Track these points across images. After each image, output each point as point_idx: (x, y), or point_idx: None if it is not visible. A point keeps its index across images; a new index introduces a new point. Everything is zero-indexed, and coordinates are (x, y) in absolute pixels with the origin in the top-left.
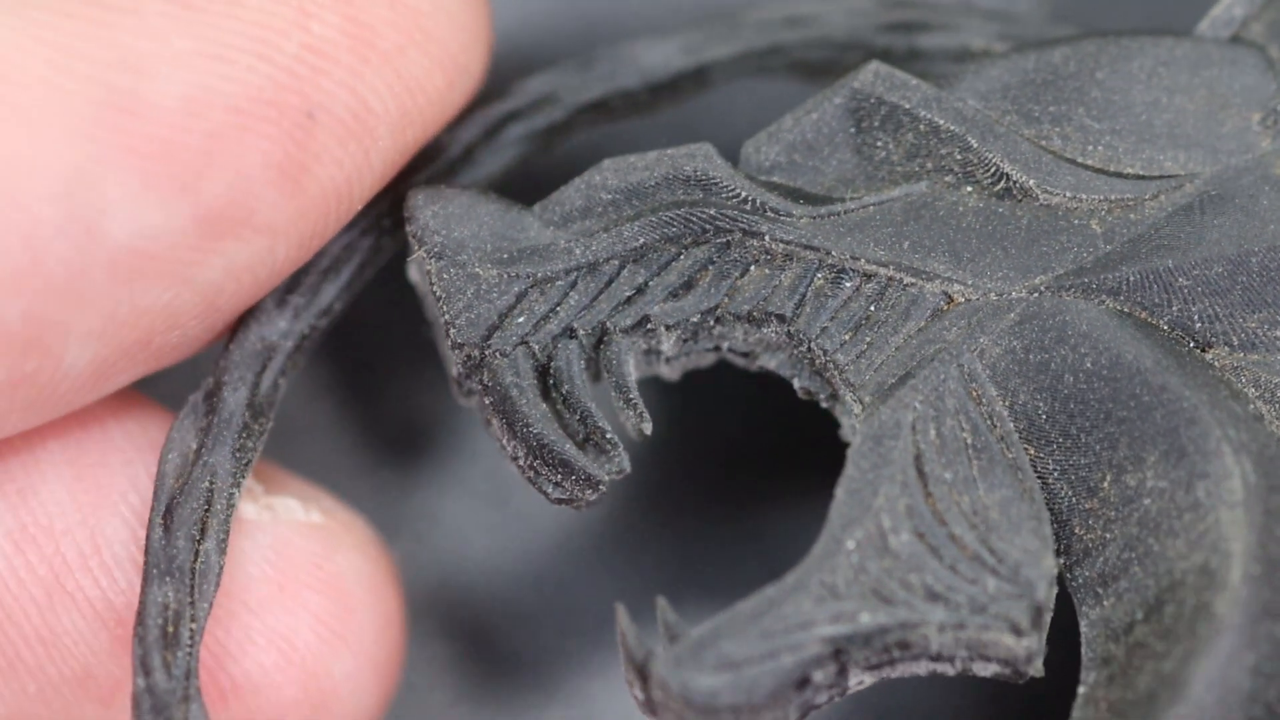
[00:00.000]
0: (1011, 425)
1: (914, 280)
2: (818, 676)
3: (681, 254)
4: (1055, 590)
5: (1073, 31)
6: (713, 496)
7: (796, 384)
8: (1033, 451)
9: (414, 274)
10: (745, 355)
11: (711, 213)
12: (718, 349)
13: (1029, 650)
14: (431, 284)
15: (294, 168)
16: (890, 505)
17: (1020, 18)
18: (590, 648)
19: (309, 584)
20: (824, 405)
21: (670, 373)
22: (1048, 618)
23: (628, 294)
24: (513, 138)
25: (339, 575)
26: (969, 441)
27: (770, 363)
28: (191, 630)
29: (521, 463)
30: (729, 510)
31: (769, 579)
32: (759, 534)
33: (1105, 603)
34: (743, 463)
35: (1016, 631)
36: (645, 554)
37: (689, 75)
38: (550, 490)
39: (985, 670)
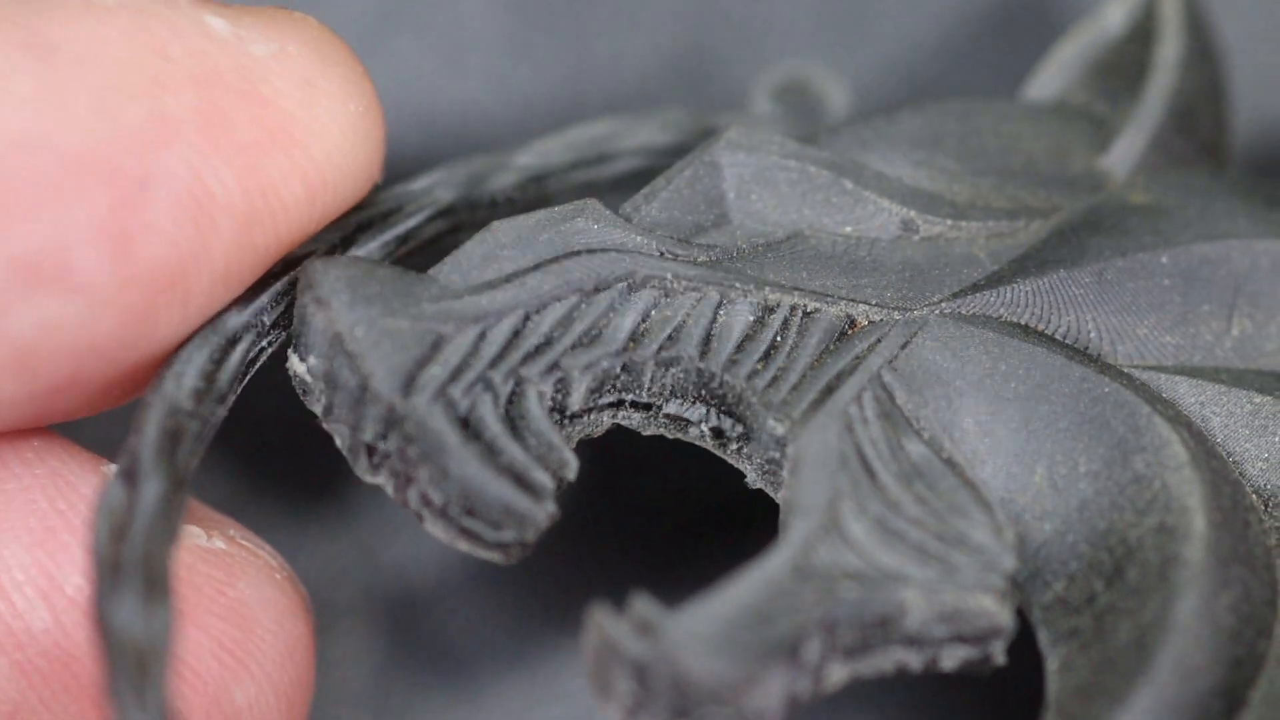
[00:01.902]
0: (938, 430)
1: (817, 305)
2: (807, 654)
3: (584, 302)
4: (1018, 568)
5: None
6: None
7: (705, 427)
8: (960, 454)
9: (295, 365)
10: (646, 409)
11: (612, 256)
12: (619, 403)
13: (1008, 621)
14: (344, 342)
15: (120, 233)
16: (847, 496)
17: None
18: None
19: (211, 609)
20: (733, 449)
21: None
22: (1015, 596)
23: (536, 344)
24: (366, 250)
25: (242, 601)
26: (901, 444)
27: (675, 409)
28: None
29: (452, 514)
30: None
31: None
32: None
33: (1056, 586)
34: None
35: (997, 595)
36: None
37: (533, 177)
38: (487, 534)
39: (954, 657)
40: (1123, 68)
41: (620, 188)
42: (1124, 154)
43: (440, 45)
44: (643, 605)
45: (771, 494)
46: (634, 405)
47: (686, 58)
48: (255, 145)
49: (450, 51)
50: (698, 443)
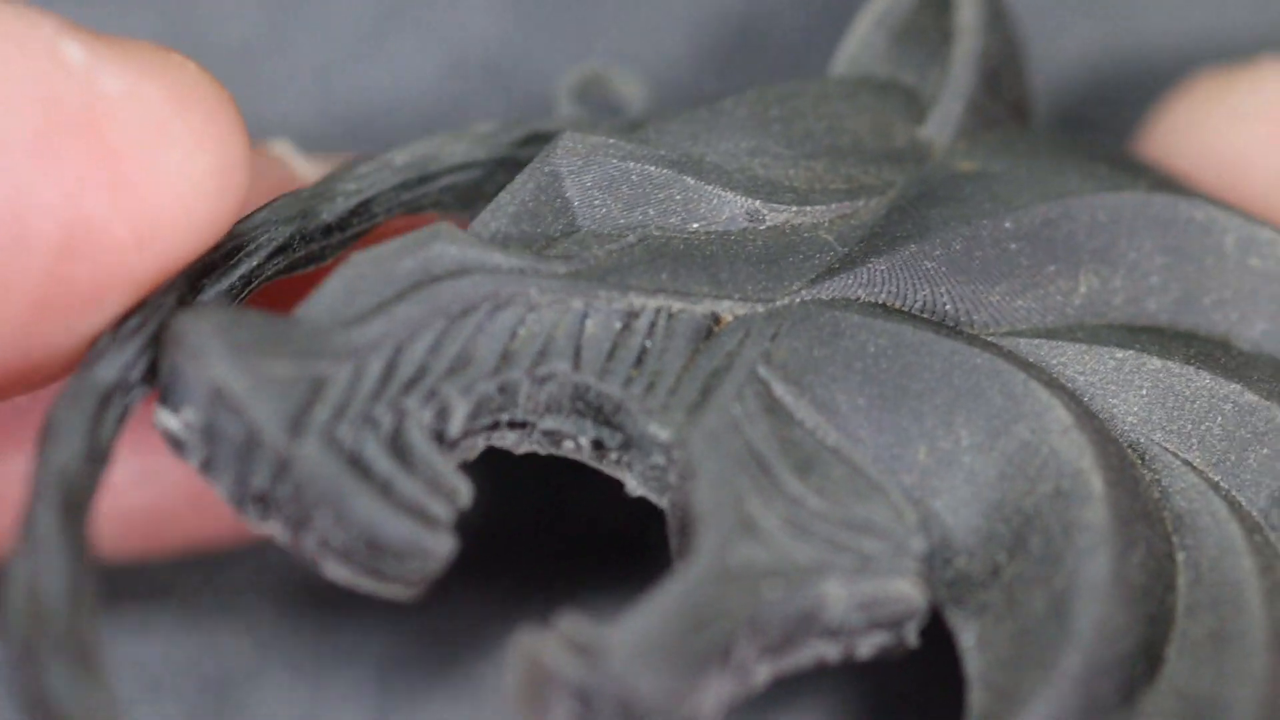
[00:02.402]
0: (819, 418)
1: (682, 305)
2: (737, 656)
3: (452, 326)
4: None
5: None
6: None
7: (583, 439)
8: (844, 440)
9: (166, 421)
10: (522, 426)
11: (475, 278)
12: (495, 425)
13: (924, 602)
14: (225, 394)
15: None
16: (750, 495)
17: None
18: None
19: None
20: (612, 458)
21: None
22: (927, 576)
23: (411, 374)
24: (212, 295)
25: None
26: (787, 436)
27: (553, 424)
28: None
29: (354, 555)
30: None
31: None
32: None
33: (957, 562)
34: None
35: (914, 577)
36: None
37: (356, 213)
38: (390, 571)
39: (871, 644)
40: (921, 36)
41: (443, 205)
42: (942, 122)
43: (440, 45)
44: (573, 625)
45: (655, 499)
46: (510, 424)
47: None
48: (79, 179)
49: (450, 51)
50: (571, 455)
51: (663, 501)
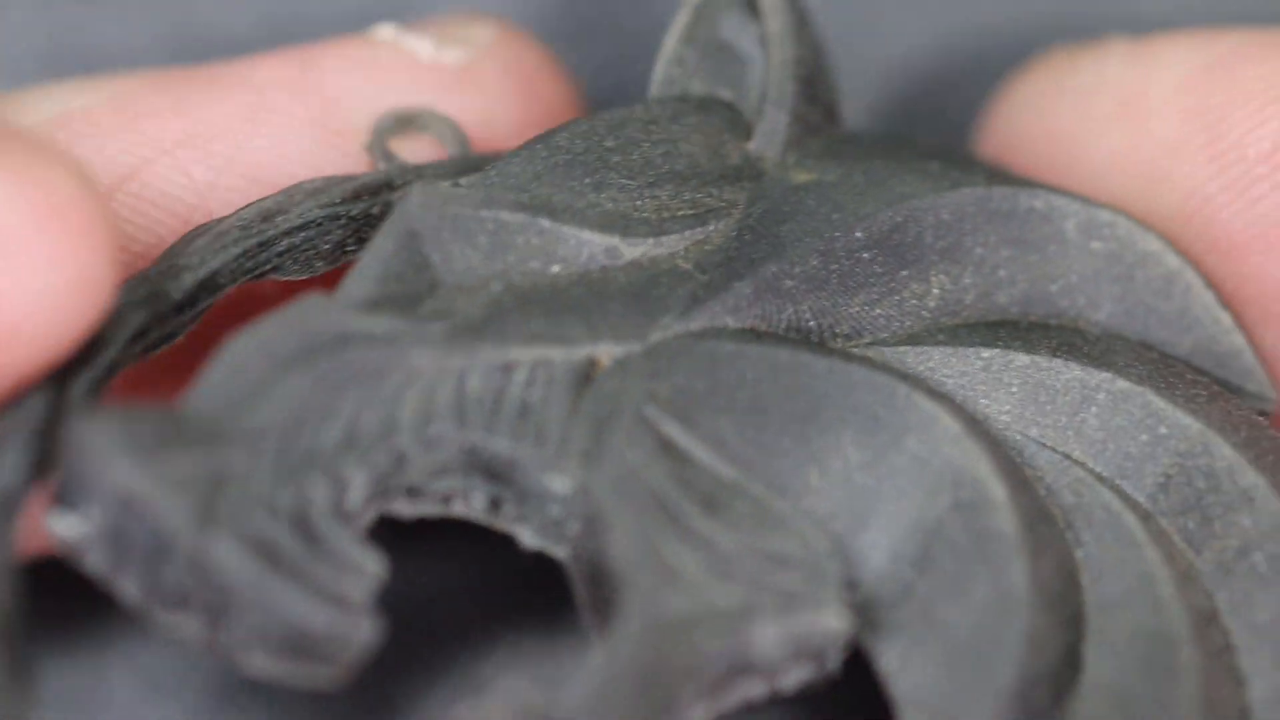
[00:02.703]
0: (712, 452)
1: (559, 352)
2: (679, 706)
3: (338, 399)
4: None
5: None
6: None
7: (478, 498)
8: (739, 472)
9: (64, 527)
10: (416, 491)
11: (354, 350)
12: (388, 493)
13: (848, 629)
14: (132, 497)
15: None
16: (664, 543)
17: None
18: None
19: None
20: (507, 513)
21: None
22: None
23: (305, 453)
24: (80, 390)
25: None
26: (685, 476)
27: (446, 486)
28: None
29: (273, 647)
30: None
31: None
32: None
33: (866, 583)
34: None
35: (836, 605)
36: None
37: (203, 287)
38: (312, 657)
39: (796, 677)
40: (730, 49)
41: (282, 269)
42: (770, 135)
43: None
44: (517, 693)
45: (552, 551)
46: (406, 490)
47: None
48: None
49: None
50: (464, 515)
51: (561, 552)
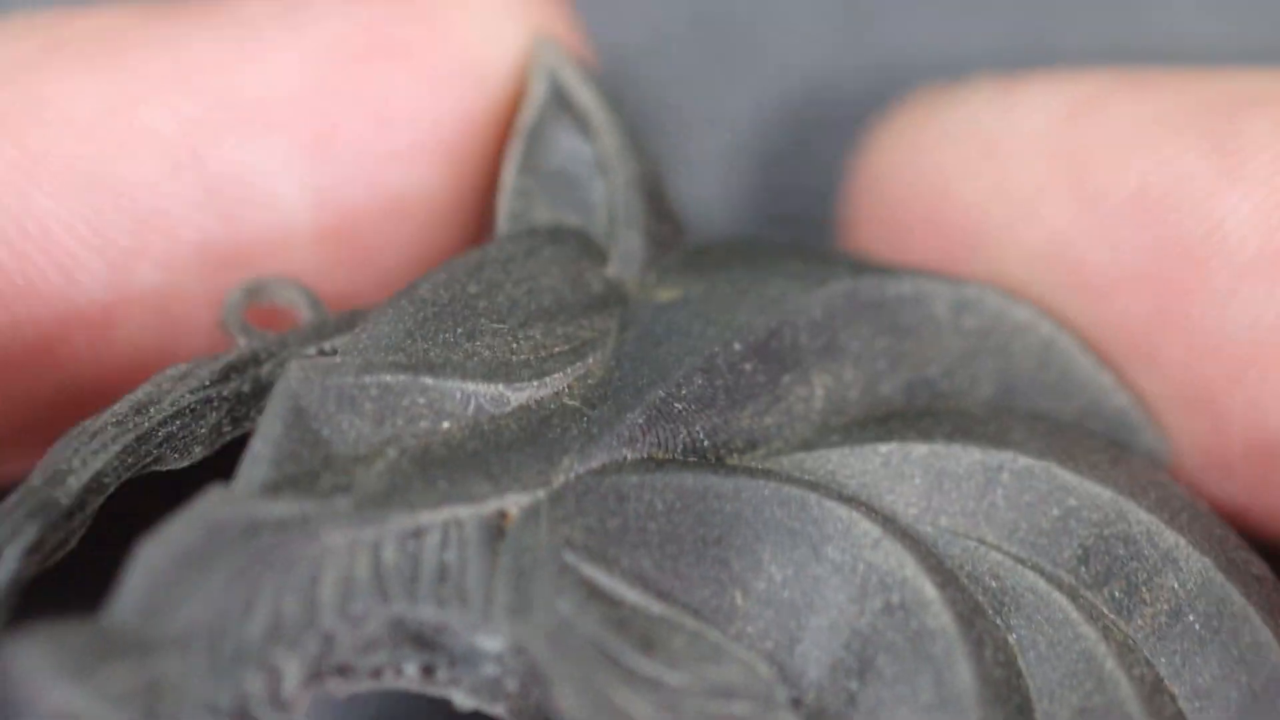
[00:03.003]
0: (635, 590)
1: (468, 510)
2: None
3: (256, 591)
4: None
5: None
6: None
7: (410, 668)
8: (664, 605)
9: None
10: (348, 669)
11: (263, 539)
12: (320, 674)
13: None
14: (75, 717)
15: None
16: (613, 689)
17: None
18: None
19: None
20: (441, 679)
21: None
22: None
23: (235, 650)
24: None
25: None
26: (617, 618)
27: (378, 660)
28: None
29: None
30: None
31: None
32: None
33: (808, 699)
34: None
35: None
36: None
37: (90, 490)
38: None
39: None
40: (569, 173)
41: (162, 459)
42: (627, 258)
43: None
44: None
45: (488, 708)
46: (337, 670)
47: None
48: None
49: None
50: (397, 684)
51: (498, 709)
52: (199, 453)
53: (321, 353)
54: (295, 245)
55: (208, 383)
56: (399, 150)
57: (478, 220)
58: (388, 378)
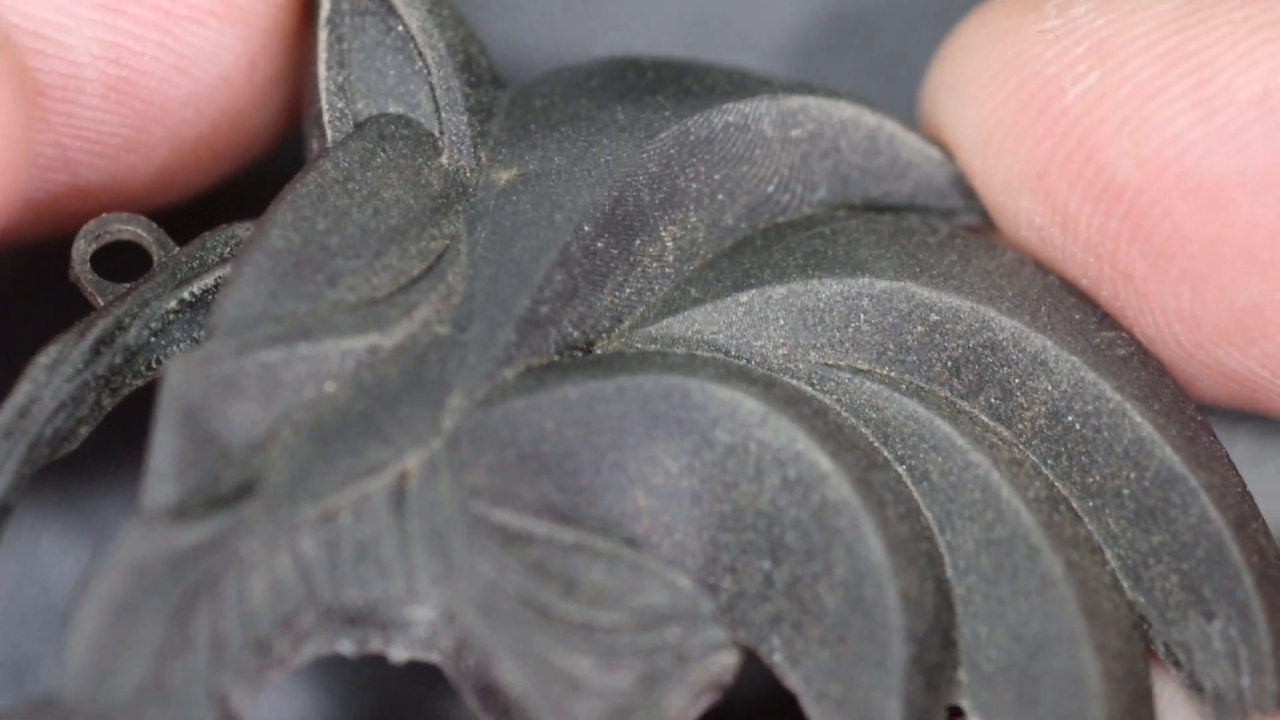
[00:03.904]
0: (544, 522)
1: (369, 480)
2: None
3: (195, 623)
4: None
5: None
6: None
7: (345, 648)
8: (575, 530)
9: None
10: (283, 664)
11: (182, 570)
12: (260, 679)
13: (738, 653)
14: None
15: None
16: (549, 648)
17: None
18: None
19: None
20: (374, 645)
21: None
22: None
23: (181, 690)
24: None
25: None
26: (535, 561)
27: (316, 647)
28: None
29: None
30: None
31: None
32: None
33: (725, 585)
34: None
35: (728, 648)
36: None
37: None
38: None
39: (700, 709)
40: (379, 56)
41: (59, 452)
42: (457, 144)
43: None
44: None
45: (424, 658)
46: (274, 666)
47: None
48: None
49: None
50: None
51: (434, 658)
52: (84, 432)
53: (184, 310)
54: (85, 96)
55: (81, 366)
56: (190, 11)
57: (280, 88)
58: (265, 355)
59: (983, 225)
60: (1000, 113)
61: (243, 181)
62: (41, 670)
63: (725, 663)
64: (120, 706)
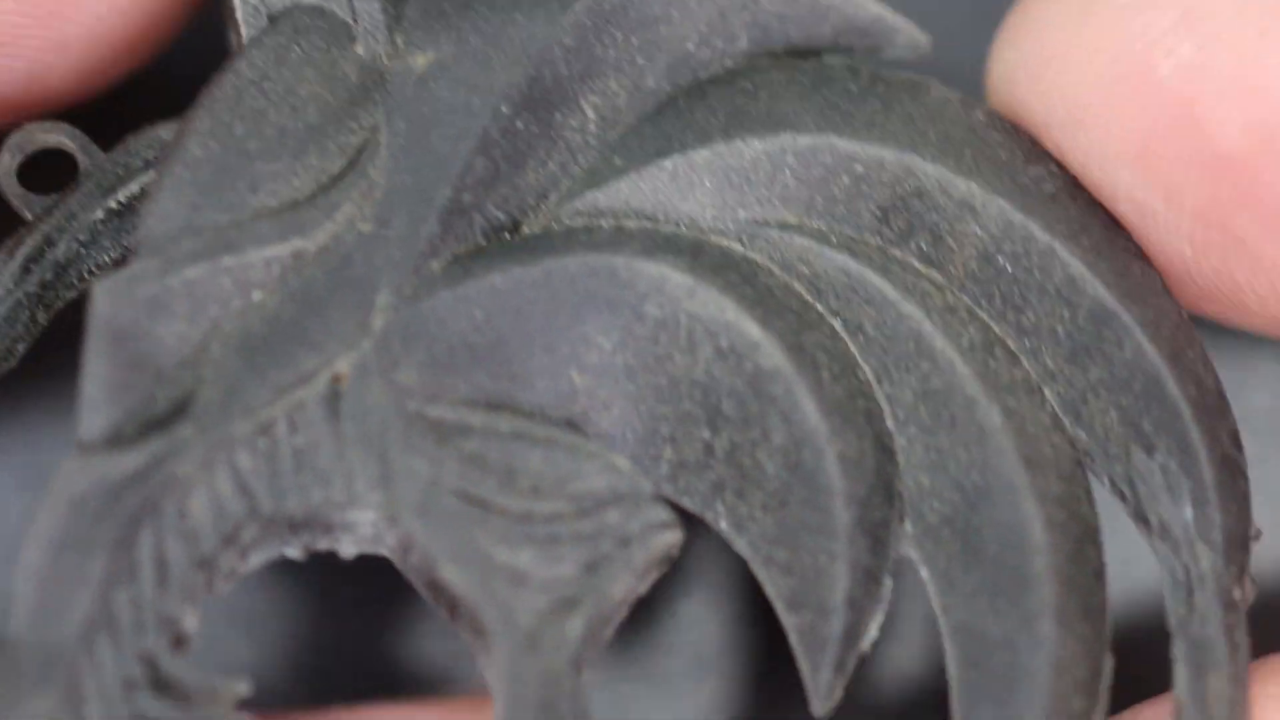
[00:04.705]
0: (479, 413)
1: (301, 389)
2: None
3: (137, 549)
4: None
5: None
6: None
7: (292, 553)
8: (511, 418)
9: None
10: (230, 576)
11: (125, 498)
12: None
13: (681, 530)
14: None
15: None
16: (490, 544)
17: None
18: None
19: None
20: (321, 547)
21: None
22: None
23: (131, 617)
24: None
25: None
26: (472, 453)
27: (260, 557)
28: None
29: None
30: None
31: None
32: None
33: (665, 455)
34: None
35: (670, 525)
36: None
37: None
38: None
39: (649, 584)
40: None
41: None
42: (371, 31)
43: None
44: None
45: (371, 551)
46: (226, 579)
47: None
48: None
49: None
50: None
51: (381, 549)
52: (21, 349)
53: (111, 218)
54: None
55: (12, 285)
56: None
57: None
58: (190, 271)
59: (907, 59)
60: (1092, 91)
61: (159, 70)
62: None
63: (669, 540)
64: (69, 642)
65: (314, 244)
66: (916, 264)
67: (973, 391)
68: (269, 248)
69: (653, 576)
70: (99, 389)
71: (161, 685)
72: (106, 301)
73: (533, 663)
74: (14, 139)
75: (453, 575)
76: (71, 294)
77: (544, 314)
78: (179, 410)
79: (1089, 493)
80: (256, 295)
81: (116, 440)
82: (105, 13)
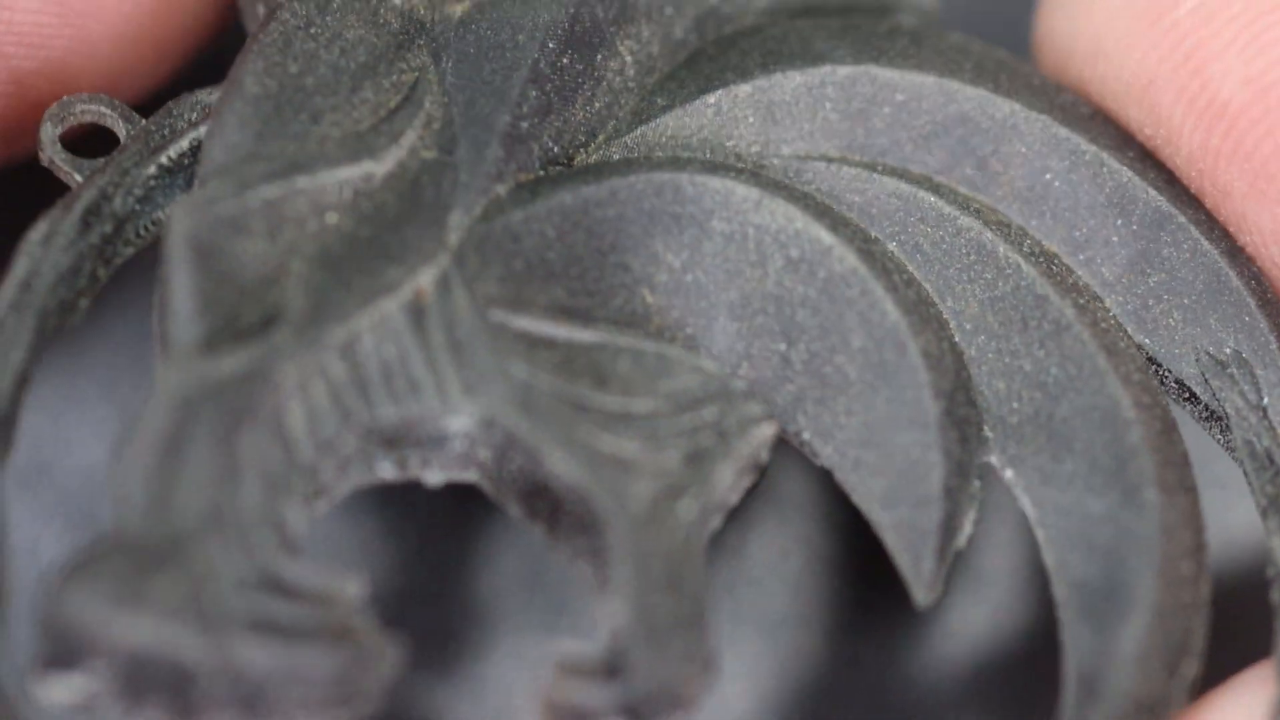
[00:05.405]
0: (562, 325)
1: (390, 303)
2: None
3: (239, 452)
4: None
5: None
6: None
7: (385, 471)
8: (596, 328)
9: (62, 691)
10: (325, 492)
11: (230, 399)
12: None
13: (774, 427)
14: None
15: None
16: (595, 438)
17: None
18: None
19: None
20: (413, 466)
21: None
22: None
23: (245, 518)
24: None
25: None
26: (561, 361)
27: (357, 476)
28: None
29: (315, 708)
30: None
31: None
32: None
33: (742, 371)
34: None
35: (765, 419)
36: None
37: (18, 386)
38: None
39: (741, 491)
40: None
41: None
42: None
43: None
44: (576, 657)
45: (459, 478)
46: (319, 494)
47: None
48: None
49: None
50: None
51: (469, 476)
52: (84, 305)
53: (163, 175)
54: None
55: (74, 237)
56: None
57: None
58: (266, 188)
59: (919, 25)
60: (1113, 23)
61: (192, 76)
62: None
63: (765, 434)
64: (185, 535)
65: (383, 168)
66: (963, 190)
67: (1043, 290)
68: (340, 170)
69: (747, 480)
70: (186, 301)
71: (274, 585)
72: (186, 219)
73: (654, 540)
74: (54, 110)
75: (561, 465)
76: (130, 249)
77: (613, 233)
78: (269, 321)
79: (1162, 391)
80: (331, 218)
81: (211, 346)
82: (132, 12)
